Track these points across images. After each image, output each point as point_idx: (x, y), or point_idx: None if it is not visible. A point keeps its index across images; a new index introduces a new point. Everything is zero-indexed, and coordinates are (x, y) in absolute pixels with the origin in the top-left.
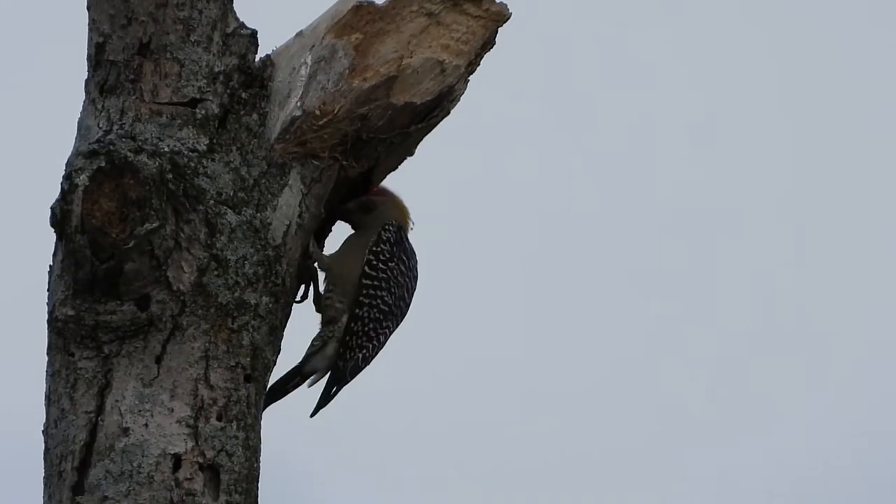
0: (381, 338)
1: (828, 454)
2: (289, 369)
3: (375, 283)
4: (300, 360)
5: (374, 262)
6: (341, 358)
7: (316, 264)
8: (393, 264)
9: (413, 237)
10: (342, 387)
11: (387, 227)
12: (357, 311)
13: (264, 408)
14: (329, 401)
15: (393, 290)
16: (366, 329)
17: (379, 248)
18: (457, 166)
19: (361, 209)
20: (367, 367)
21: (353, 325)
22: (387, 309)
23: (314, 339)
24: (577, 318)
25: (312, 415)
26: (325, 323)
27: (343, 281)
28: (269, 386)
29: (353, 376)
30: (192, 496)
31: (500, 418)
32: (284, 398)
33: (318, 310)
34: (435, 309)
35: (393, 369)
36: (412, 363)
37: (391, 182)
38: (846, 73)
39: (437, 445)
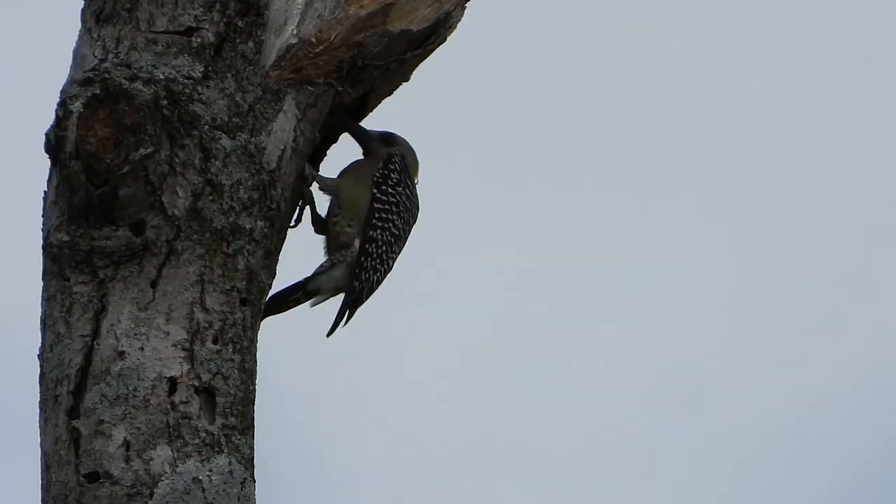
0: (390, 262)
1: None
2: (291, 283)
3: (386, 206)
4: (305, 276)
5: (384, 187)
6: (357, 279)
7: (318, 187)
8: (401, 189)
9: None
10: (357, 307)
11: (394, 156)
12: (371, 233)
13: (262, 318)
14: (346, 321)
15: (402, 214)
16: (380, 252)
17: (387, 172)
18: (453, 93)
19: (384, 141)
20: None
21: (368, 247)
22: (397, 233)
23: (324, 262)
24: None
25: (328, 335)
26: (334, 248)
27: (351, 204)
28: (269, 296)
29: (367, 297)
30: (188, 419)
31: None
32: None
33: (317, 231)
34: (430, 242)
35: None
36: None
37: (385, 107)
38: None
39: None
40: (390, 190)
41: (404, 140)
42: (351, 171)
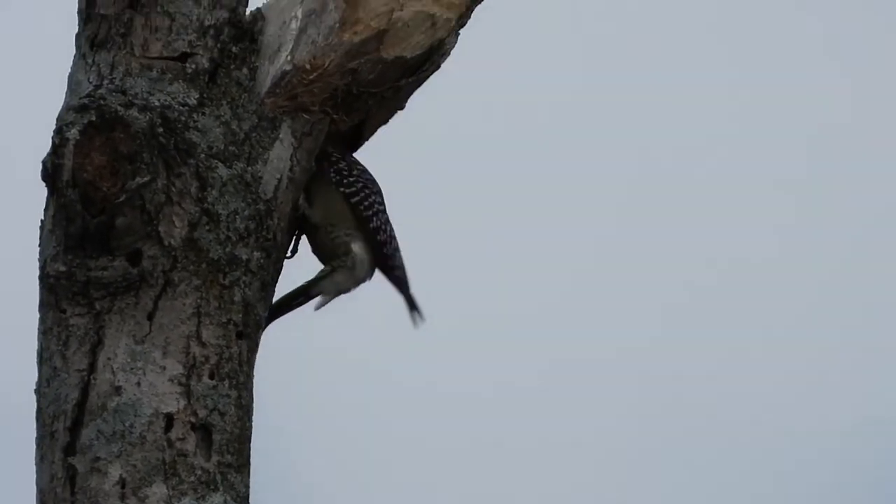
0: (395, 236)
1: None
2: (294, 288)
3: (361, 194)
4: (307, 280)
5: (345, 181)
6: (395, 269)
7: (310, 219)
8: (356, 172)
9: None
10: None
11: (329, 154)
12: (371, 225)
13: (268, 324)
14: (416, 308)
15: (374, 188)
16: (388, 232)
17: (337, 168)
18: (447, 120)
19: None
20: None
21: (379, 237)
22: (383, 208)
23: (323, 269)
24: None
25: (416, 324)
26: (334, 257)
27: (337, 216)
28: (274, 301)
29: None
30: (185, 457)
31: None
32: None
33: (322, 259)
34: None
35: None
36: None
37: (382, 135)
38: None
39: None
40: (351, 179)
41: None
42: (315, 193)
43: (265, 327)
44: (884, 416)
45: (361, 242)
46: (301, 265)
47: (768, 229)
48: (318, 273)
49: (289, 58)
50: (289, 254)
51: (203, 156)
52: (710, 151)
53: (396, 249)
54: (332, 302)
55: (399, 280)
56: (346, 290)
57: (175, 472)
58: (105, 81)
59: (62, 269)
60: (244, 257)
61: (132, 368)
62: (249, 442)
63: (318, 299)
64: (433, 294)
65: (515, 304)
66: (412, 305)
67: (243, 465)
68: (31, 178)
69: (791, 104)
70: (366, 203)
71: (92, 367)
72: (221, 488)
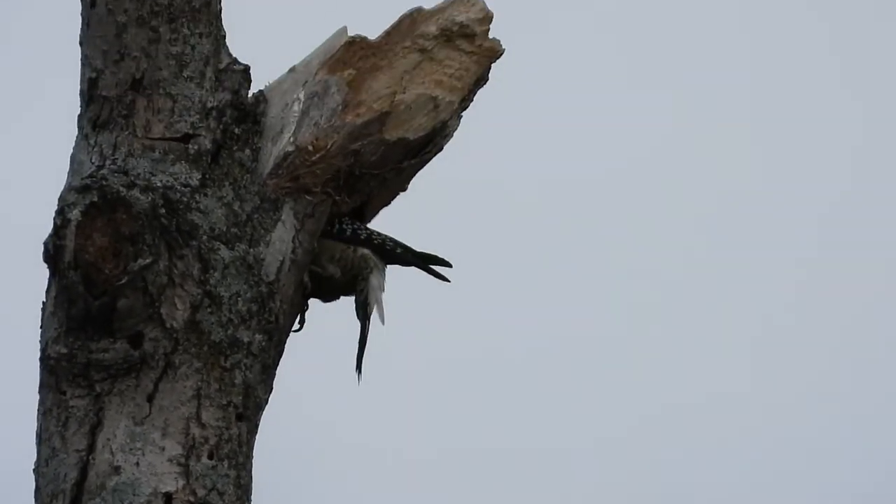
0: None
1: None
2: (358, 342)
3: (349, 230)
4: (356, 311)
5: (333, 229)
6: (399, 258)
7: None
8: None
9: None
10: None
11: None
12: (362, 237)
13: (359, 364)
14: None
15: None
16: (380, 235)
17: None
18: (449, 201)
19: None
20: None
21: (374, 242)
22: (370, 231)
23: (358, 291)
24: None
25: (446, 266)
26: (359, 272)
27: (340, 253)
28: (358, 352)
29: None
30: None
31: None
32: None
33: (352, 288)
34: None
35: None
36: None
37: (384, 217)
38: None
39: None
40: (345, 227)
41: None
42: (321, 254)
43: (360, 370)
44: None
45: (365, 249)
46: (306, 344)
47: None
48: (357, 297)
49: (291, 139)
50: (296, 326)
51: (205, 237)
52: None
53: (394, 242)
54: (383, 305)
55: (405, 256)
56: (383, 285)
57: None
58: (107, 162)
59: (63, 350)
60: (246, 340)
61: (131, 449)
62: None
63: (375, 313)
64: None
65: None
66: (429, 271)
67: None
68: (33, 260)
69: None
70: (351, 232)
71: (91, 448)
72: None
